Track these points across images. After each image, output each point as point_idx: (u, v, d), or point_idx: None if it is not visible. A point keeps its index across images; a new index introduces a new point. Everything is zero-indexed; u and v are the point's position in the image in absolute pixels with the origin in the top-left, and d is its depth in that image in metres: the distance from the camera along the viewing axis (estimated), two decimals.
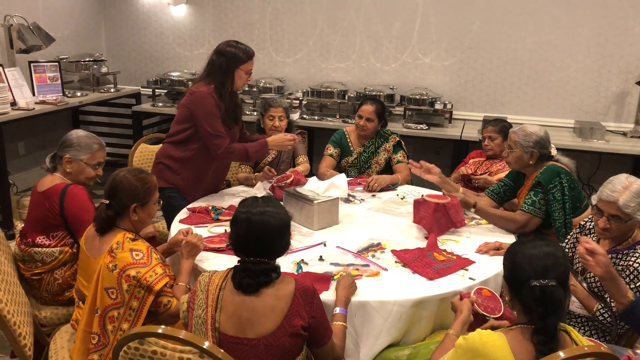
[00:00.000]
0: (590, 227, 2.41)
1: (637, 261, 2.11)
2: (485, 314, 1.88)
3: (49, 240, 2.55)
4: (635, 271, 2.10)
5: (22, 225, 2.69)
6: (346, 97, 4.94)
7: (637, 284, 2.08)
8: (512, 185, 2.96)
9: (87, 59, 5.31)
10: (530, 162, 2.75)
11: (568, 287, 1.61)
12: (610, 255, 2.19)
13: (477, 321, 1.90)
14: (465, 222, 2.70)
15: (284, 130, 3.54)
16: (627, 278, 2.10)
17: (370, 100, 3.63)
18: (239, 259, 1.78)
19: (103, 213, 2.13)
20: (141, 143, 3.66)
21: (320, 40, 5.35)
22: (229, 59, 2.90)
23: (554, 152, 2.80)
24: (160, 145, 3.19)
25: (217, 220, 2.73)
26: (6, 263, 2.23)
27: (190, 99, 2.91)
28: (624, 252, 2.17)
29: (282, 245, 1.81)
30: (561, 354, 1.48)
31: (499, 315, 1.91)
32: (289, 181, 2.89)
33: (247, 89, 5.09)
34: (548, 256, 1.57)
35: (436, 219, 2.61)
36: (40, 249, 2.52)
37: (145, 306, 1.98)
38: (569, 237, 2.53)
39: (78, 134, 2.64)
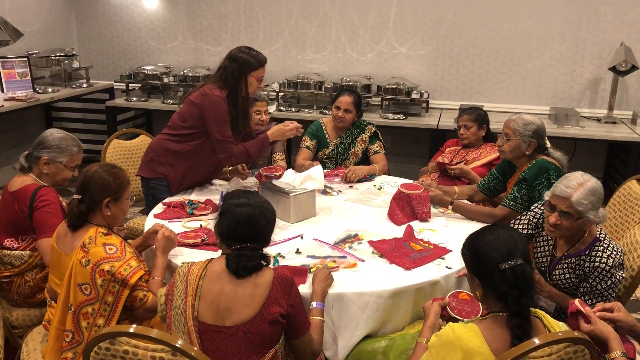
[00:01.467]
0: (541, 225, 2.36)
1: (602, 261, 2.09)
2: (458, 317, 1.85)
3: (17, 243, 2.48)
4: (604, 271, 2.09)
5: None
6: (323, 88, 4.92)
7: (608, 282, 2.09)
8: (501, 179, 2.94)
9: (58, 54, 5.20)
10: (527, 152, 2.69)
11: (531, 264, 1.64)
12: (573, 259, 2.19)
13: None
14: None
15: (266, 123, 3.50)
16: (597, 278, 2.10)
17: (347, 91, 3.60)
18: (233, 247, 1.81)
19: (75, 208, 2.09)
20: (114, 139, 3.59)
21: (295, 31, 5.30)
22: (241, 65, 2.91)
23: (548, 144, 2.76)
24: (152, 137, 3.14)
25: (192, 214, 2.69)
26: None
27: (203, 100, 2.88)
28: (586, 253, 2.15)
29: (271, 234, 1.90)
30: (536, 340, 1.48)
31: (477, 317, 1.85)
32: (277, 174, 2.87)
33: None
34: (508, 240, 1.60)
35: (400, 206, 2.64)
36: (8, 251, 2.46)
37: (120, 301, 1.95)
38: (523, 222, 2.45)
39: (56, 135, 2.56)
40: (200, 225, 2.57)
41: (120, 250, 2.00)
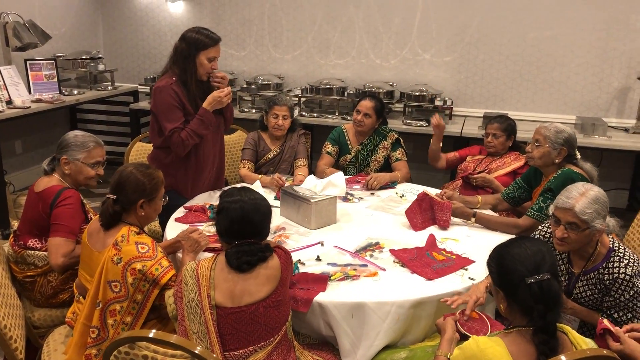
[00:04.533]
0: (552, 244, 2.25)
1: (620, 271, 2.04)
2: (468, 334, 1.81)
3: (41, 243, 2.50)
4: (624, 281, 2.03)
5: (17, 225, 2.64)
6: (345, 94, 4.90)
7: (631, 292, 2.03)
8: (526, 188, 2.90)
9: (84, 57, 5.27)
10: (557, 160, 2.66)
11: (559, 279, 1.60)
12: (592, 274, 2.13)
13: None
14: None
15: (287, 130, 3.48)
16: (619, 289, 2.04)
17: (369, 97, 3.59)
18: (233, 244, 1.88)
19: (110, 208, 2.12)
20: (137, 141, 3.62)
21: (319, 36, 5.30)
22: (190, 44, 2.82)
23: (578, 155, 2.73)
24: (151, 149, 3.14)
25: (213, 219, 2.68)
26: None
27: (152, 98, 2.86)
28: (604, 266, 2.10)
29: (269, 226, 1.97)
30: (563, 357, 1.44)
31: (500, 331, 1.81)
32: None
33: (244, 85, 5.04)
34: (535, 253, 1.57)
35: (421, 208, 2.63)
36: (32, 252, 2.48)
37: (149, 300, 1.98)
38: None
39: (72, 134, 2.60)
40: None
41: (152, 250, 2.02)
